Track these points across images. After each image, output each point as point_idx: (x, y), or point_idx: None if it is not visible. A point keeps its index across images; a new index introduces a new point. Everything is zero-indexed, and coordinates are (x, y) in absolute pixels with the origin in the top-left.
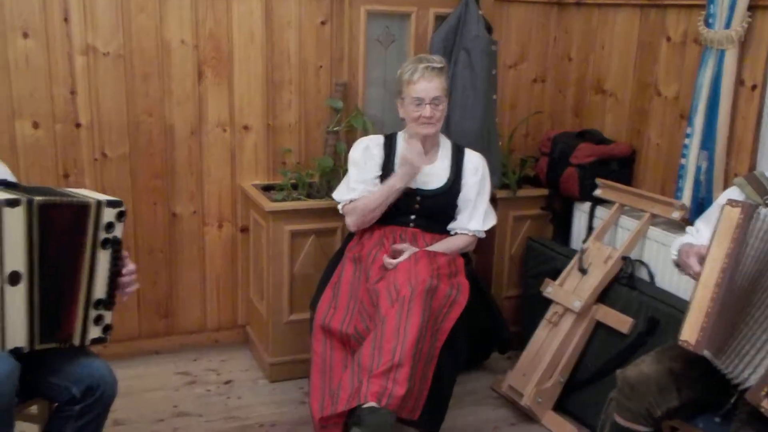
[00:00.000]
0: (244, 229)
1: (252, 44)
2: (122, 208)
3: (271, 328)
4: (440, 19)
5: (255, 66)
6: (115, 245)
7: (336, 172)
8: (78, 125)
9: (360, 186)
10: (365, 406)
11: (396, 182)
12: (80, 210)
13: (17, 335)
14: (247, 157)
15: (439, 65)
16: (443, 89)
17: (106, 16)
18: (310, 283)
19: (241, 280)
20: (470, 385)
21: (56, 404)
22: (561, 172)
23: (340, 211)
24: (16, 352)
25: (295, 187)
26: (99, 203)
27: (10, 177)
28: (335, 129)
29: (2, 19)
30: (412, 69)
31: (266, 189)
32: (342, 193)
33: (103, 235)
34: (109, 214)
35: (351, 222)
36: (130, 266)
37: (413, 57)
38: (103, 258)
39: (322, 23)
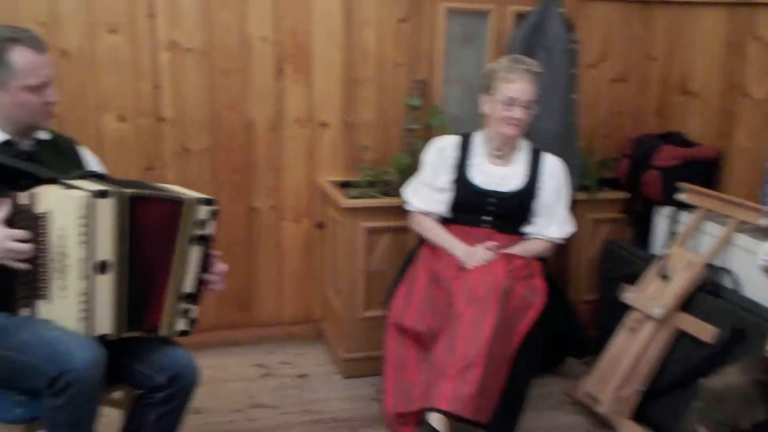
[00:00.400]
0: (321, 225)
1: (331, 41)
2: (216, 207)
3: (346, 324)
4: (520, 17)
5: (334, 63)
6: (206, 242)
7: (413, 170)
8: (161, 119)
9: (426, 190)
10: (430, 418)
11: (454, 251)
12: (174, 205)
13: (104, 322)
14: (325, 153)
15: (537, 70)
16: (536, 95)
17: (190, 12)
18: (385, 280)
19: (317, 276)
20: (546, 389)
21: (140, 391)
22: (642, 175)
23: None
24: (102, 339)
25: (371, 184)
26: (193, 200)
27: (100, 169)
28: (413, 127)
29: (90, 15)
30: (509, 67)
31: (343, 185)
32: (409, 192)
33: (195, 231)
34: (202, 212)
35: (412, 227)
36: (220, 267)
37: (510, 56)
38: (194, 254)
39: (401, 21)
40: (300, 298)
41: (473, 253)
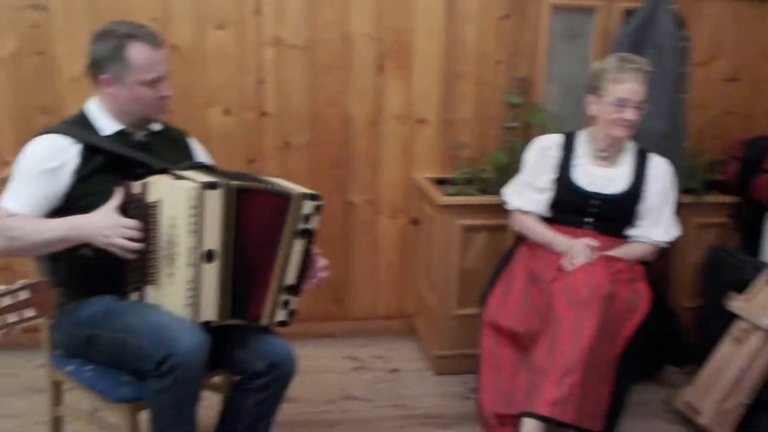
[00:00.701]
0: (416, 221)
1: (432, 37)
2: (320, 202)
3: (440, 321)
4: (628, 13)
5: (434, 59)
6: (310, 236)
7: (510, 168)
8: (264, 114)
9: (526, 190)
10: (525, 425)
11: (556, 246)
12: (282, 199)
13: (209, 309)
14: (422, 149)
15: (647, 69)
16: (646, 94)
17: (295, 9)
18: (479, 279)
19: (411, 272)
20: (644, 396)
21: (239, 377)
22: (753, 178)
23: (508, 207)
24: (206, 325)
25: (468, 182)
26: (300, 195)
27: (208, 160)
28: (511, 125)
29: (200, 12)
30: (618, 67)
31: (439, 182)
32: (510, 194)
33: (300, 225)
34: (308, 207)
35: (513, 226)
36: (322, 262)
37: (617, 54)
38: (298, 247)
39: (504, 17)
40: (394, 294)
41: (576, 245)
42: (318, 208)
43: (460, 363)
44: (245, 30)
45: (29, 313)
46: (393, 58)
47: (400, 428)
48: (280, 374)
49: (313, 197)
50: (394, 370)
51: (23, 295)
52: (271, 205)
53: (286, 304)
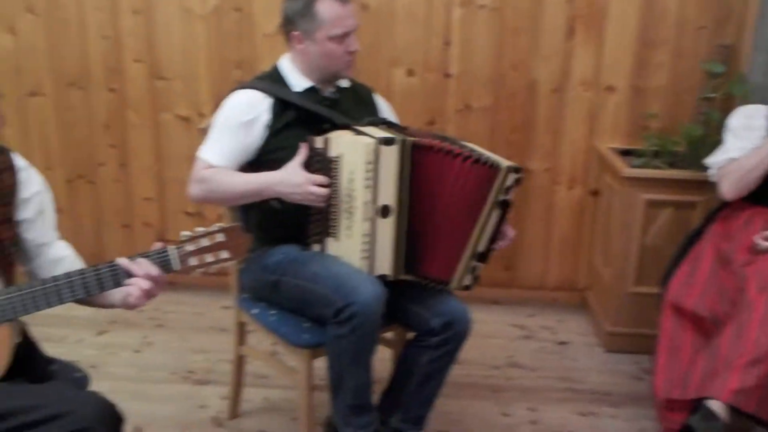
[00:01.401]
0: (595, 192)
1: (628, 0)
2: (522, 175)
3: (614, 297)
4: None
5: (629, 23)
6: (507, 207)
7: (705, 142)
8: (447, 75)
9: (730, 153)
10: (712, 404)
11: None
12: (490, 170)
13: (384, 263)
14: (608, 118)
15: None
16: None
17: None
18: (660, 257)
19: (586, 244)
20: None
21: (413, 333)
22: None
23: (713, 178)
24: (382, 279)
25: (656, 154)
26: (508, 168)
27: (392, 117)
28: (709, 96)
29: None
30: None
31: (624, 153)
32: (711, 159)
33: (501, 196)
34: (511, 179)
35: (726, 188)
36: (510, 233)
37: None
38: (494, 217)
39: None
40: (566, 265)
41: None
42: (518, 181)
43: (634, 342)
44: None
45: (224, 255)
46: (585, 21)
47: (565, 401)
48: (455, 334)
49: (516, 170)
50: (562, 343)
51: (219, 238)
52: (480, 175)
53: (473, 269)
